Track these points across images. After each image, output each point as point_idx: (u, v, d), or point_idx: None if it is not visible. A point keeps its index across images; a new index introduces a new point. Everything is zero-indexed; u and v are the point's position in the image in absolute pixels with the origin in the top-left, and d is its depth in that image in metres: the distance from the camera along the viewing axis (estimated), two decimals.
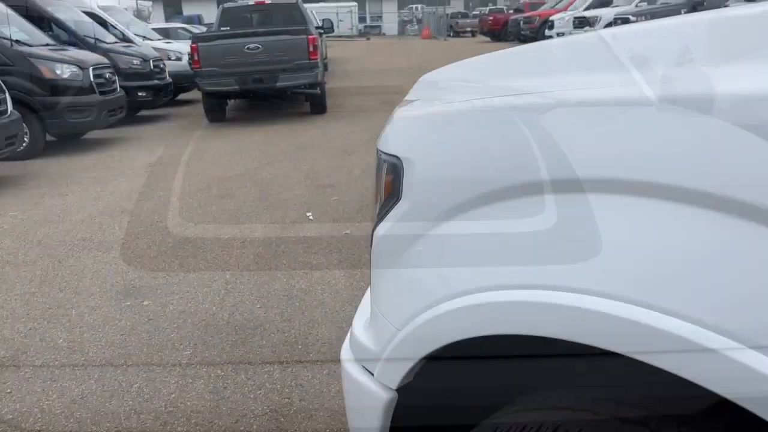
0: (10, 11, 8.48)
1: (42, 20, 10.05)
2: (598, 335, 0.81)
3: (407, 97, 1.36)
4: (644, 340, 0.76)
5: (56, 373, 2.76)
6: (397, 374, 1.12)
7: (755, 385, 0.67)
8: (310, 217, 4.81)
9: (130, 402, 2.51)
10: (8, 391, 2.63)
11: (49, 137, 8.44)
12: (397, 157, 1.14)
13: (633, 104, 0.82)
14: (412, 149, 1.13)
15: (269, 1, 12.02)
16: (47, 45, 8.59)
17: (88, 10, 12.02)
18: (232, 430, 2.30)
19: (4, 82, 6.88)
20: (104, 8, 13.47)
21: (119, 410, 2.45)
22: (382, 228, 1.18)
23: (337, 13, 41.42)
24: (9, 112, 6.62)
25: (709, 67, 0.81)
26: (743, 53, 0.79)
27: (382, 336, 1.17)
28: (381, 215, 1.19)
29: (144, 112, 11.63)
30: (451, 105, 1.11)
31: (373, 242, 1.22)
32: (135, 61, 10.64)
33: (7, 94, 6.69)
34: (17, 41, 8.02)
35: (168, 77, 11.46)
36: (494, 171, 0.96)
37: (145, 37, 13.54)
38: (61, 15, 10.45)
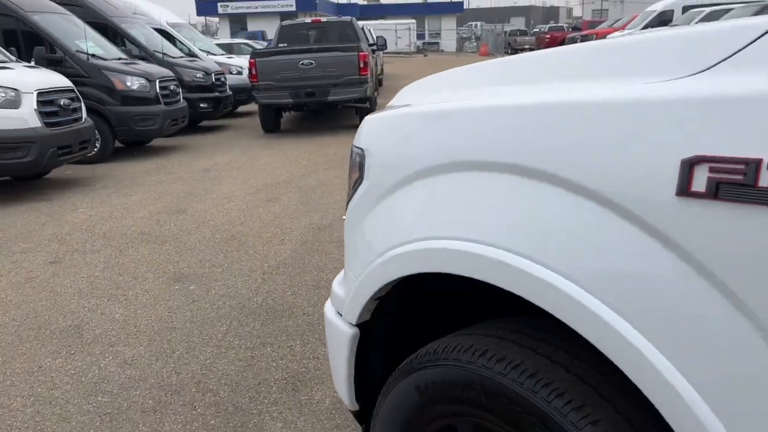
0: (88, 28, 9.29)
1: (116, 36, 10.91)
2: (477, 270, 1.15)
3: (389, 104, 1.72)
4: (501, 271, 1.10)
5: (112, 340, 3.21)
6: (356, 312, 1.47)
7: (551, 294, 1.00)
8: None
9: (172, 364, 2.93)
10: (72, 352, 3.09)
11: (118, 143, 9.17)
12: (362, 149, 1.50)
13: (499, 110, 1.16)
14: (371, 142, 1.48)
15: (325, 20, 12.60)
16: (120, 59, 9.34)
17: (159, 27, 12.90)
18: (255, 390, 2.68)
19: (80, 92, 7.59)
20: (173, 25, 14.38)
21: (162, 370, 2.88)
22: (351, 204, 1.54)
23: (396, 30, 42.16)
24: (83, 119, 7.31)
25: (544, 85, 1.15)
26: (561, 77, 1.14)
27: (348, 285, 1.53)
28: (351, 194, 1.55)
29: (205, 123, 12.38)
30: (398, 110, 1.46)
31: (346, 216, 1.58)
32: (198, 75, 11.35)
33: (82, 103, 7.39)
34: (93, 55, 8.78)
35: (228, 90, 12.15)
36: (419, 157, 1.31)
37: (209, 52, 14.35)
38: (134, 31, 11.27)
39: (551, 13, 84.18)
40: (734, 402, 0.83)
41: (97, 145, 8.47)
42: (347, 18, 12.44)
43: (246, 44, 20.53)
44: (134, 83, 8.81)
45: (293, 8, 41.74)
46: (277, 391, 2.67)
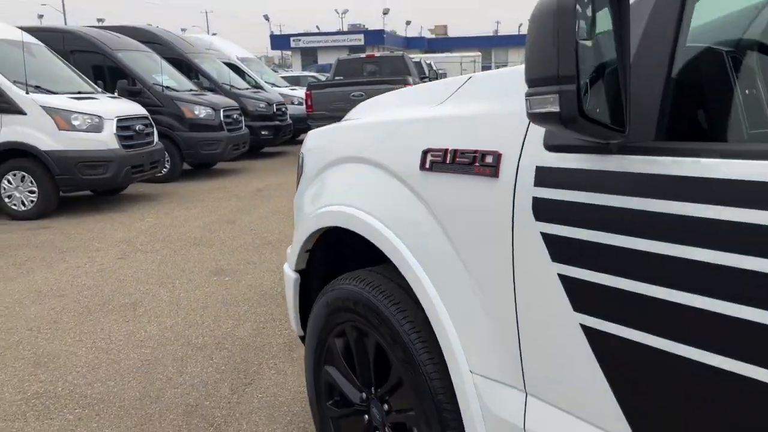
0: (164, 63, 10.52)
1: (191, 70, 12.17)
2: (350, 224, 1.84)
3: (344, 118, 2.45)
4: (354, 222, 1.79)
5: (158, 313, 4.03)
6: (294, 261, 2.19)
7: (368, 229, 1.69)
8: None
9: (200, 330, 3.71)
10: (126, 320, 3.92)
11: (186, 165, 10.28)
12: (302, 153, 2.24)
13: (363, 124, 1.87)
14: (308, 149, 2.21)
15: (378, 54, 13.55)
16: (190, 90, 10.51)
17: (228, 61, 14.17)
18: (260, 349, 3.41)
19: (154, 119, 8.72)
20: (243, 59, 15.68)
21: (192, 334, 3.66)
22: (297, 192, 2.27)
23: (461, 63, 43.07)
24: (155, 143, 8.40)
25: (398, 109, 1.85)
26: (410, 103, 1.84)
27: (293, 244, 2.25)
28: (297, 185, 2.28)
29: (266, 149, 13.46)
30: (327, 126, 2.19)
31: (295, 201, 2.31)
32: (261, 105, 12.44)
33: (154, 129, 8.49)
34: (167, 87, 9.96)
35: (288, 119, 13.19)
36: (328, 156, 2.03)
37: (274, 84, 15.53)
38: (206, 66, 12.52)
39: None
40: (445, 282, 1.49)
41: (166, 166, 9.58)
42: (399, 53, 13.36)
43: (313, 77, 21.78)
44: (201, 112, 9.91)
45: (362, 42, 43.44)
46: (276, 350, 3.40)
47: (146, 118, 8.33)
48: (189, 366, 3.24)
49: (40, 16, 72.12)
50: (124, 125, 7.68)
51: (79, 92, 7.97)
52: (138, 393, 2.97)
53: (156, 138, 8.52)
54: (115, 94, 8.98)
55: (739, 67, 1.21)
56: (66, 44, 9.79)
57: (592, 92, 0.98)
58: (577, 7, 0.89)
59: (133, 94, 9.39)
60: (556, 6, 0.89)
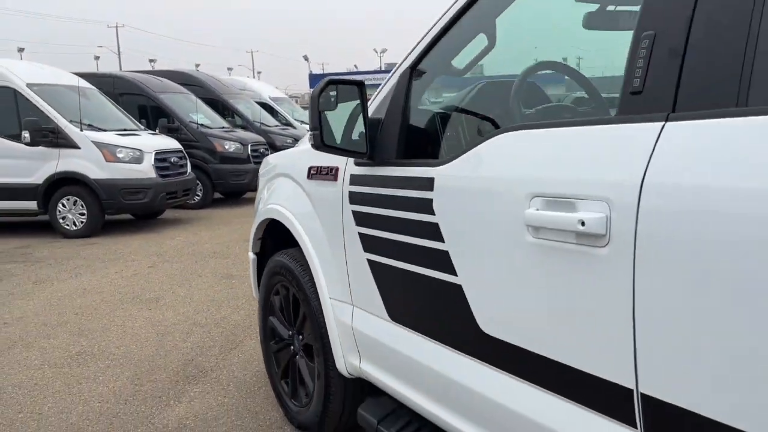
0: (200, 103, 11.85)
1: (225, 109, 13.52)
2: (278, 216, 2.84)
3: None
4: (281, 216, 2.79)
5: (174, 304, 5.08)
6: (251, 245, 3.20)
7: (287, 221, 2.70)
8: None
9: (205, 315, 4.73)
10: (150, 309, 4.97)
11: (216, 194, 11.49)
12: (259, 173, 3.26)
13: (292, 150, 2.89)
14: (263, 170, 3.24)
15: None
16: (222, 127, 11.78)
17: (261, 100, 15.52)
18: (248, 327, 4.40)
19: (188, 153, 9.96)
20: (275, 99, 17.04)
21: (198, 317, 4.68)
22: (256, 199, 3.29)
23: None
24: (188, 173, 9.61)
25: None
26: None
27: (252, 234, 3.26)
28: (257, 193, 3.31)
29: None
30: (271, 155, 3.20)
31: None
32: (288, 140, 13.65)
33: (187, 161, 9.71)
34: (202, 125, 11.24)
35: None
36: (272, 171, 3.04)
37: (302, 122, 16.81)
38: (240, 105, 13.85)
39: None
40: (317, 245, 2.47)
41: (199, 194, 10.79)
42: None
43: None
44: (231, 146, 11.14)
45: None
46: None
47: (180, 151, 9.56)
48: (192, 337, 4.26)
49: (97, 58, 76.35)
50: (160, 157, 8.91)
51: (124, 129, 9.26)
52: (151, 352, 3.99)
53: (189, 169, 9.73)
54: (156, 131, 10.28)
55: (445, 121, 2.18)
56: (116, 88, 11.21)
57: (345, 132, 1.97)
58: (323, 92, 1.90)
59: (171, 131, 10.68)
60: (312, 93, 1.90)
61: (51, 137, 8.38)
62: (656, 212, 1.17)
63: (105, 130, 8.88)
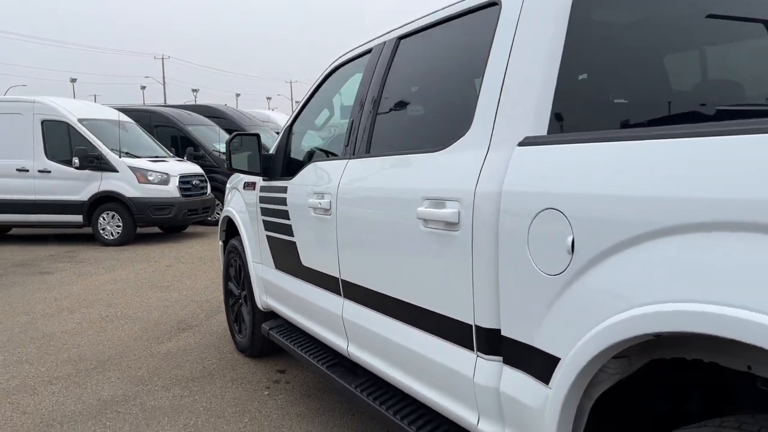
0: (223, 133, 13.66)
1: None
2: (229, 213, 4.43)
3: None
4: (231, 213, 4.39)
5: (180, 289, 6.70)
6: (219, 235, 4.80)
7: (237, 224, 4.30)
8: None
9: (201, 296, 6.33)
10: (161, 292, 6.61)
11: None
12: (226, 187, 4.88)
13: None
14: (228, 186, 4.84)
15: None
16: None
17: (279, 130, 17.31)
18: (214, 310, 5.98)
19: (211, 177, 11.71)
20: None
21: (196, 297, 6.29)
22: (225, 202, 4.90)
23: None
24: (208, 194, 11.34)
25: None
26: None
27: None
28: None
29: None
30: (233, 175, 4.80)
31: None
32: None
33: (208, 183, 11.46)
34: (223, 152, 13.01)
35: None
36: (229, 185, 4.64)
37: None
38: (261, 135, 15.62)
39: None
40: (247, 230, 4.05)
41: (218, 212, 12.50)
42: None
43: None
44: None
45: None
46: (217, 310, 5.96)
47: (202, 175, 11.32)
48: (187, 308, 5.86)
49: (143, 88, 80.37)
50: (184, 180, 10.67)
51: (156, 156, 11.07)
52: (157, 316, 5.61)
53: (209, 190, 11.47)
54: (184, 158, 12.08)
55: (300, 156, 3.74)
56: (151, 121, 13.11)
57: (250, 162, 3.55)
58: (233, 140, 3.48)
59: (197, 158, 12.47)
60: (227, 140, 3.49)
61: (95, 162, 10.20)
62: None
63: (139, 157, 10.69)
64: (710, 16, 1.83)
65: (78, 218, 10.36)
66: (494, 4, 2.08)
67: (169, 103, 64.99)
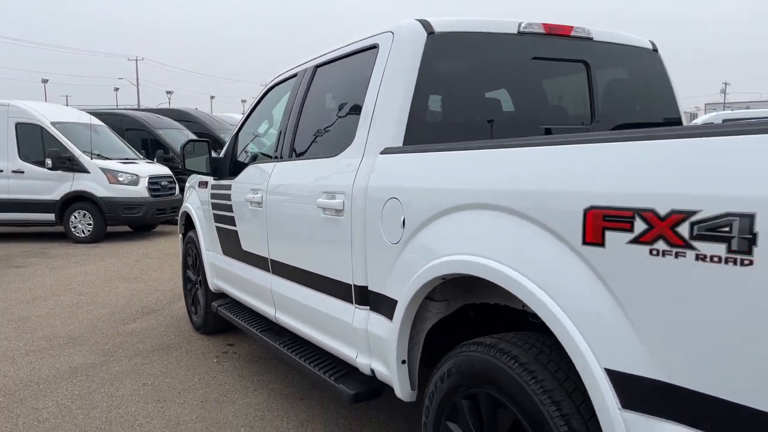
0: (191, 136, 14.19)
1: (216, 142, 15.87)
2: (187, 210, 5.09)
3: None
4: (188, 210, 5.04)
5: (146, 280, 7.31)
6: (179, 228, 5.44)
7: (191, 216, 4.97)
8: None
9: (166, 286, 6.95)
10: (129, 283, 7.21)
11: None
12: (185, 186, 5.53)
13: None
14: (186, 185, 5.48)
15: None
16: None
17: None
18: (175, 294, 6.62)
19: (180, 178, 12.26)
20: None
21: (161, 287, 6.91)
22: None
23: None
24: (176, 194, 11.91)
25: None
26: None
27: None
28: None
29: None
30: (191, 176, 5.45)
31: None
32: None
33: (176, 184, 12.02)
34: None
35: None
36: (188, 184, 5.28)
37: None
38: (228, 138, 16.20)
39: (687, 118, 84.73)
40: (202, 223, 4.71)
41: None
42: None
43: None
44: None
45: None
46: (179, 297, 6.59)
47: (170, 177, 11.88)
48: (152, 296, 6.48)
49: (116, 89, 79.99)
50: (153, 181, 11.23)
51: (126, 158, 11.62)
52: (124, 302, 6.22)
53: (177, 191, 12.03)
54: (154, 160, 12.63)
55: (244, 159, 4.42)
56: (122, 124, 13.64)
57: (202, 164, 4.21)
58: (187, 145, 4.15)
59: (167, 160, 13.02)
60: (181, 145, 4.16)
61: (68, 164, 10.72)
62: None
63: (110, 159, 11.22)
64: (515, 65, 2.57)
65: (50, 217, 10.85)
66: (375, 46, 2.78)
67: (143, 104, 64.95)
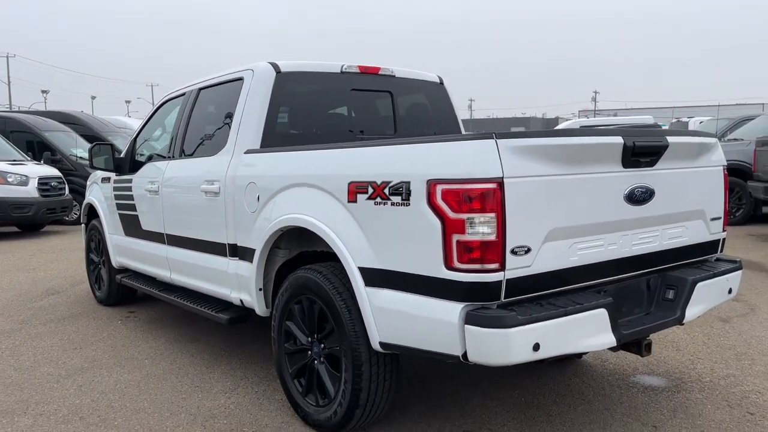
0: (79, 139, 14.60)
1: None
2: (91, 201, 6.02)
3: None
4: (89, 200, 5.98)
5: (46, 270, 8.03)
6: (82, 218, 6.34)
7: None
8: None
9: (66, 273, 7.72)
10: (29, 272, 7.89)
11: None
12: (87, 183, 6.44)
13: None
14: (88, 182, 6.39)
15: None
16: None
17: None
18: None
19: (70, 180, 12.75)
20: None
21: (62, 275, 7.68)
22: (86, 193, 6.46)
23: None
24: (66, 195, 12.39)
25: None
26: None
27: None
28: None
29: None
30: (95, 172, 6.36)
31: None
32: None
33: (66, 185, 12.50)
34: (80, 157, 14.00)
35: None
36: (91, 180, 6.21)
37: None
38: (117, 141, 16.62)
39: (551, 124, 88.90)
40: (104, 211, 5.69)
41: (76, 212, 13.50)
42: None
43: None
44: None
45: None
46: (80, 281, 7.44)
47: (60, 178, 12.36)
48: (54, 281, 7.27)
49: None
50: (43, 182, 11.69)
51: (14, 160, 11.98)
52: (27, 287, 6.98)
53: (67, 191, 12.52)
54: (41, 162, 12.99)
55: (142, 158, 5.47)
56: (7, 126, 13.85)
57: (106, 162, 5.22)
58: (94, 147, 5.14)
59: (54, 162, 13.41)
60: (89, 147, 5.14)
61: None
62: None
63: None
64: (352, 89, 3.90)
65: None
66: (241, 78, 3.99)
67: (14, 103, 61.46)
